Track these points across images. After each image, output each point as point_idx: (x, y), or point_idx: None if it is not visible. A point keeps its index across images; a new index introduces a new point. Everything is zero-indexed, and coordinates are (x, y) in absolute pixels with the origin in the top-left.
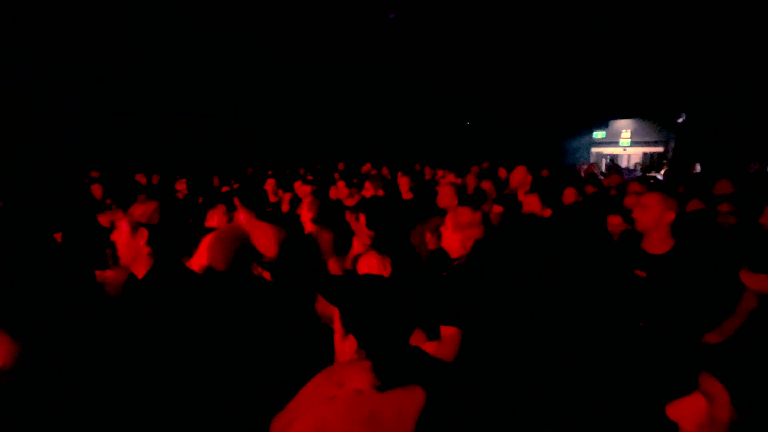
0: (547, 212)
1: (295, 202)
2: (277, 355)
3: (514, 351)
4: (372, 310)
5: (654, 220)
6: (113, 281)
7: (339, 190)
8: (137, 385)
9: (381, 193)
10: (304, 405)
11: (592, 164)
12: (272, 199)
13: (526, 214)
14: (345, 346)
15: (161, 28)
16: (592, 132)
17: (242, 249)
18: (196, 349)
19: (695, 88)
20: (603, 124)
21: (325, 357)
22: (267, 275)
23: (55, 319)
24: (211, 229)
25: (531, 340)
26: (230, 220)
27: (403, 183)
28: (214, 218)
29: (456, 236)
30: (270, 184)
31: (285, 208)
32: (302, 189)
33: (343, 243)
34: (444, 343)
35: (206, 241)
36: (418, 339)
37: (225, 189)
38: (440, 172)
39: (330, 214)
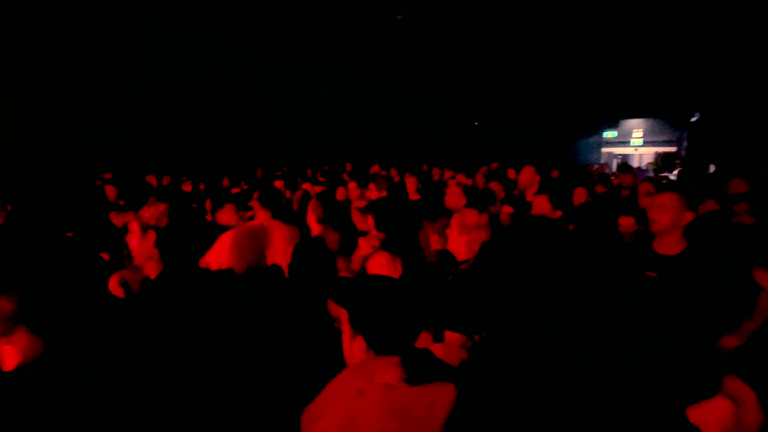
0: (558, 214)
1: (306, 201)
2: (290, 354)
3: (523, 355)
4: (380, 312)
5: (672, 220)
6: (129, 281)
7: (351, 191)
8: (153, 383)
9: (384, 194)
10: (334, 398)
11: (602, 164)
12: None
13: (536, 216)
14: (354, 346)
15: (161, 28)
16: (602, 132)
17: (260, 248)
18: (207, 348)
19: (709, 86)
20: (614, 124)
21: (336, 357)
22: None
23: (75, 316)
24: (224, 229)
25: (540, 344)
26: (241, 219)
27: (411, 184)
28: (224, 218)
29: (461, 238)
30: (278, 185)
31: (295, 207)
32: (314, 190)
33: (348, 243)
34: (448, 348)
35: (225, 240)
36: (424, 341)
37: (235, 190)
38: (448, 173)
39: (335, 214)
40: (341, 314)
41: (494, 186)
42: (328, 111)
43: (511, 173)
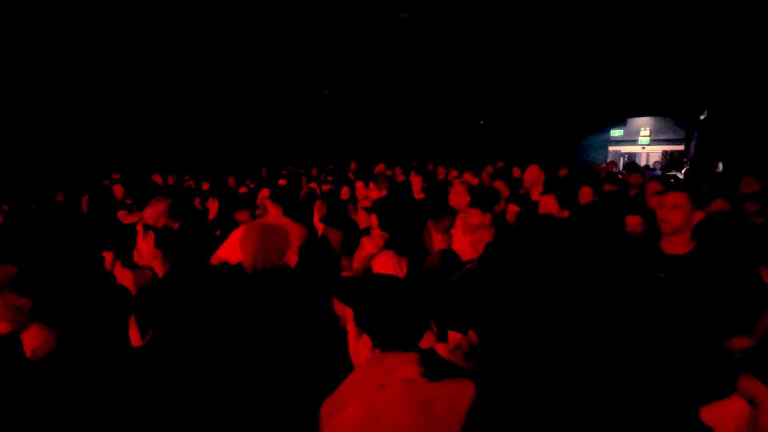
0: (565, 214)
1: (311, 200)
2: (294, 354)
3: (528, 356)
4: (386, 311)
5: (684, 219)
6: (138, 279)
7: (357, 191)
8: (154, 382)
9: (384, 193)
10: (353, 392)
11: (610, 163)
12: None
13: (542, 215)
14: (359, 345)
15: (161, 28)
16: (609, 130)
17: (280, 244)
18: (208, 347)
19: (717, 84)
20: (621, 122)
21: (340, 357)
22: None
23: (88, 311)
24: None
25: (544, 344)
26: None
27: (416, 183)
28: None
29: (465, 238)
30: (282, 185)
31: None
32: (321, 189)
33: (350, 242)
34: (451, 348)
35: (243, 235)
36: (428, 341)
37: (242, 190)
38: (454, 172)
39: (336, 213)
40: (347, 313)
41: (498, 185)
42: (329, 111)
43: (516, 172)
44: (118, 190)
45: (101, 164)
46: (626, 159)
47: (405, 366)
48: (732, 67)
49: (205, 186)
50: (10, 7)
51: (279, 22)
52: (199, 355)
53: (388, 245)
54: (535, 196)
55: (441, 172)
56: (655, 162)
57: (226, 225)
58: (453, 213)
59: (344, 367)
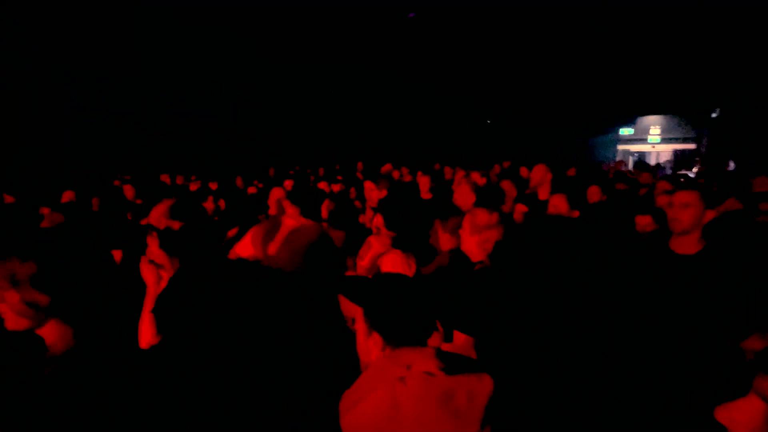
0: (575, 214)
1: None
2: (300, 354)
3: (537, 356)
4: (397, 309)
5: (695, 219)
6: (149, 279)
7: (366, 191)
8: (156, 381)
9: (385, 193)
10: (372, 385)
11: (619, 162)
12: None
13: (550, 215)
14: (369, 344)
15: (161, 28)
16: (618, 129)
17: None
18: (210, 347)
19: (729, 81)
20: (630, 121)
21: (346, 356)
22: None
23: (106, 309)
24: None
25: (555, 345)
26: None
27: (423, 183)
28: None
29: (473, 239)
30: (288, 185)
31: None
32: (332, 189)
33: (354, 242)
34: (457, 348)
35: (266, 233)
36: (434, 341)
37: (252, 190)
38: (461, 172)
39: (343, 214)
40: (356, 312)
41: (505, 185)
42: (330, 111)
43: (524, 171)
44: (129, 191)
45: (101, 164)
46: (635, 157)
47: (423, 360)
48: (744, 65)
49: (213, 186)
50: (10, 7)
51: (279, 22)
52: (207, 354)
53: (394, 244)
54: (542, 195)
55: (448, 172)
56: (666, 161)
57: (234, 225)
58: (461, 213)
59: (350, 367)
